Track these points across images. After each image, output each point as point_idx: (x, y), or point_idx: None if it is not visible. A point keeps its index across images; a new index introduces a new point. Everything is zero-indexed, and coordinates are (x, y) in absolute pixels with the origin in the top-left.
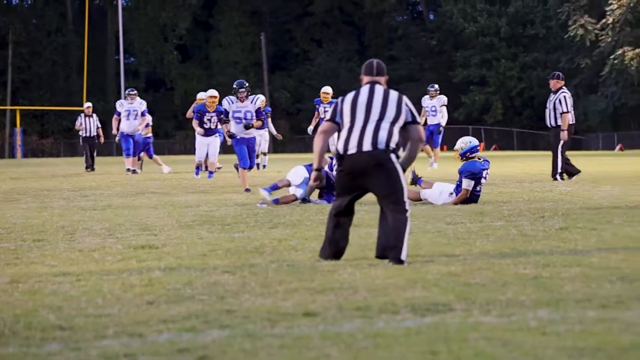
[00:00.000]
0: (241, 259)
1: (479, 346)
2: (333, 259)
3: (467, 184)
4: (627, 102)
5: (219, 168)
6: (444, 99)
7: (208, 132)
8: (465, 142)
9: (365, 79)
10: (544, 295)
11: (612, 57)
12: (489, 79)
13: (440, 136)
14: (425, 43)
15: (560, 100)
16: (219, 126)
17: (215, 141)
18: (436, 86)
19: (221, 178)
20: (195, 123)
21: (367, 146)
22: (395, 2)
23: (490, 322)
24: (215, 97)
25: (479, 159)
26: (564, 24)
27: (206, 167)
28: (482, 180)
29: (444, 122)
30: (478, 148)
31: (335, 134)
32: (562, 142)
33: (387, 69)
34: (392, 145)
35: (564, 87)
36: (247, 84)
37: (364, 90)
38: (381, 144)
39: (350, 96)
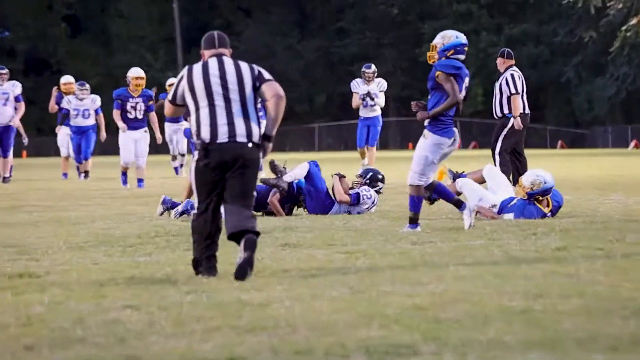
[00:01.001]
0: (148, 289)
1: None
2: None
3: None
4: None
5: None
6: (384, 83)
7: (134, 124)
8: (539, 182)
9: (208, 52)
10: (536, 334)
11: (623, 28)
12: (467, 57)
13: (379, 132)
14: (384, 12)
15: (507, 80)
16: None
17: (143, 137)
18: (373, 67)
19: (129, 186)
20: (116, 114)
21: (241, 136)
22: None
23: None
24: (142, 77)
25: (549, 201)
26: None
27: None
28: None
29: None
30: (552, 188)
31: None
32: (503, 134)
33: (336, 45)
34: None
35: (513, 67)
36: None
37: (212, 62)
38: (255, 137)
39: (197, 69)
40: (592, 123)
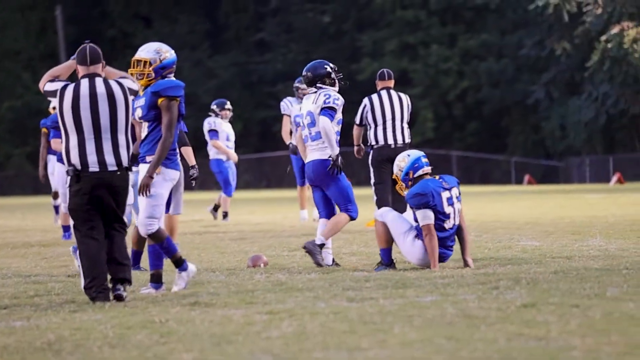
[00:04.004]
0: None
1: None
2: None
3: (422, 216)
4: (629, 108)
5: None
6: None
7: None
8: (401, 159)
9: (81, 69)
10: None
11: (603, 38)
12: (413, 75)
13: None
14: (314, 21)
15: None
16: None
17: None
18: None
19: None
20: (54, 144)
21: (111, 164)
22: None
23: None
24: None
25: (436, 176)
26: None
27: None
28: (452, 208)
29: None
30: (425, 160)
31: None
32: (371, 172)
33: (256, 60)
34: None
35: (381, 90)
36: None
37: (84, 86)
38: (125, 162)
39: (69, 94)
40: (565, 153)
